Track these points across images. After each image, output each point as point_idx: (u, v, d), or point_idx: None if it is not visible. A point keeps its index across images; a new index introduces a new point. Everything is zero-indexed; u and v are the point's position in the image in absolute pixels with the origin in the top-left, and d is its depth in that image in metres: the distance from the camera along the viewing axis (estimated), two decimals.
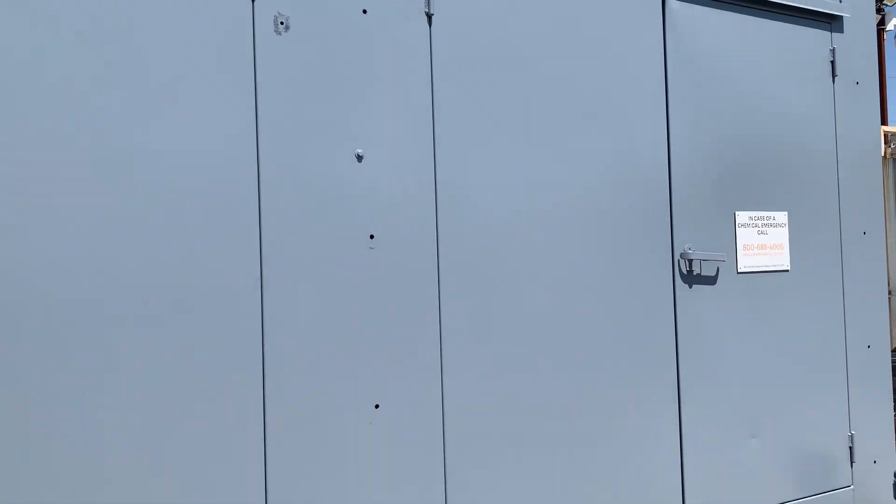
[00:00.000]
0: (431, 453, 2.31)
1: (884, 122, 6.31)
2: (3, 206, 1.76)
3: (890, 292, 4.44)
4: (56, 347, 1.80)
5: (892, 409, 3.51)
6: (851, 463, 3.29)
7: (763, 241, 3.06)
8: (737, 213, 3.00)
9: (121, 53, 1.91)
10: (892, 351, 3.90)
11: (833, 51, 3.32)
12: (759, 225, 3.06)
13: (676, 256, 2.83)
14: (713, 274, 2.93)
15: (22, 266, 1.77)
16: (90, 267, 1.85)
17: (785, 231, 3.13)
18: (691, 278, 2.87)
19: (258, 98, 2.10)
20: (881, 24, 6.38)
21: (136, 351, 1.89)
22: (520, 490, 2.45)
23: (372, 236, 2.25)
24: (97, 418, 1.83)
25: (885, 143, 5.21)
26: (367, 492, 2.19)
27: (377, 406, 2.24)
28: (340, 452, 2.17)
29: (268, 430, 2.07)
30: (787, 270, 3.13)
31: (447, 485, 2.32)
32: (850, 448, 3.29)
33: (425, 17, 2.36)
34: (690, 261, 2.86)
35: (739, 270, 2.99)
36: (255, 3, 2.10)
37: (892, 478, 3.42)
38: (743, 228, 3.01)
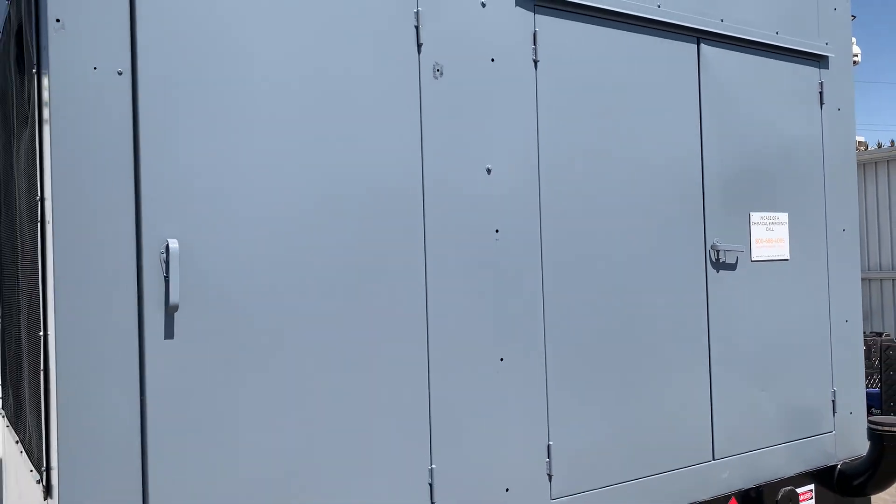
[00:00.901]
0: (536, 388, 3.04)
1: None
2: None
3: None
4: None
5: (864, 372, 4.36)
6: (833, 413, 4.12)
7: (770, 237, 3.86)
8: (751, 213, 3.80)
9: (328, 95, 2.59)
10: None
11: (821, 84, 4.14)
12: (767, 223, 3.86)
13: (707, 248, 3.61)
14: (734, 262, 3.72)
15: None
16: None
17: (786, 228, 3.94)
18: (718, 265, 3.65)
19: (423, 125, 2.79)
20: None
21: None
22: (596, 419, 3.20)
23: (497, 230, 2.97)
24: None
25: None
26: (495, 410, 2.92)
27: (502, 359, 2.96)
28: (477, 390, 2.88)
29: (431, 374, 2.77)
30: (787, 260, 3.94)
31: (549, 411, 3.06)
32: (833, 401, 4.12)
33: (532, 64, 3.08)
34: (718, 251, 3.64)
35: (753, 259, 3.79)
36: (420, 55, 2.79)
37: (865, 425, 4.27)
38: (755, 226, 3.80)
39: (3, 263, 3.64)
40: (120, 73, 2.24)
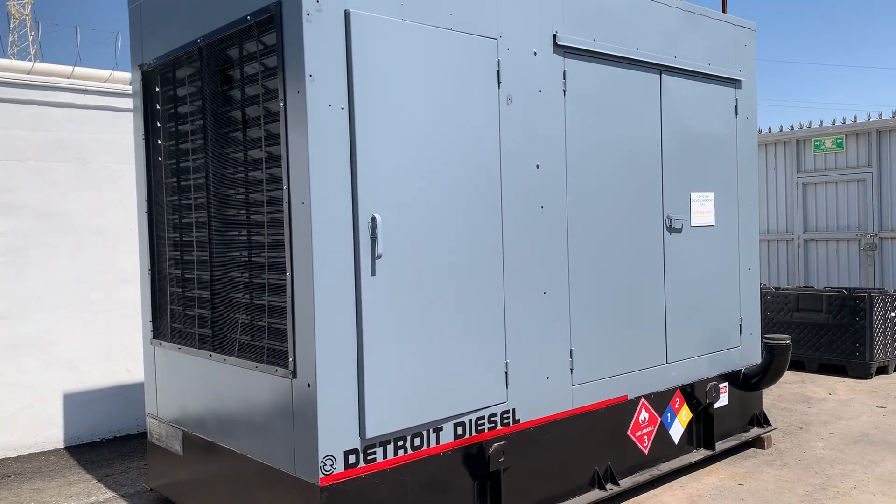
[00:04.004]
0: (564, 313, 4.55)
1: None
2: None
3: None
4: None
5: (759, 305, 6.15)
6: (740, 333, 5.88)
7: (703, 209, 5.52)
8: (691, 193, 5.43)
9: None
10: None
11: (736, 100, 5.81)
12: (701, 200, 5.51)
13: (665, 217, 5.21)
14: (680, 227, 5.34)
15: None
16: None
17: (713, 203, 5.61)
18: (671, 230, 5.26)
19: (501, 135, 4.19)
20: None
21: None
22: (598, 333, 4.76)
23: (542, 207, 4.42)
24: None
25: None
26: (541, 326, 4.41)
27: (545, 292, 4.44)
28: (531, 313, 4.36)
29: (506, 300, 4.21)
30: (713, 226, 5.62)
31: (571, 327, 4.58)
32: (740, 325, 5.87)
33: (563, 92, 4.53)
34: (671, 220, 5.25)
35: (692, 225, 5.43)
36: (499, 90, 4.18)
37: (760, 342, 6.06)
38: (694, 202, 5.44)
39: (157, 232, 4.78)
40: (343, 109, 3.53)
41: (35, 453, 6.09)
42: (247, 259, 3.93)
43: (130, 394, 6.47)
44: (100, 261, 6.35)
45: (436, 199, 3.87)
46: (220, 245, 4.16)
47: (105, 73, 6.31)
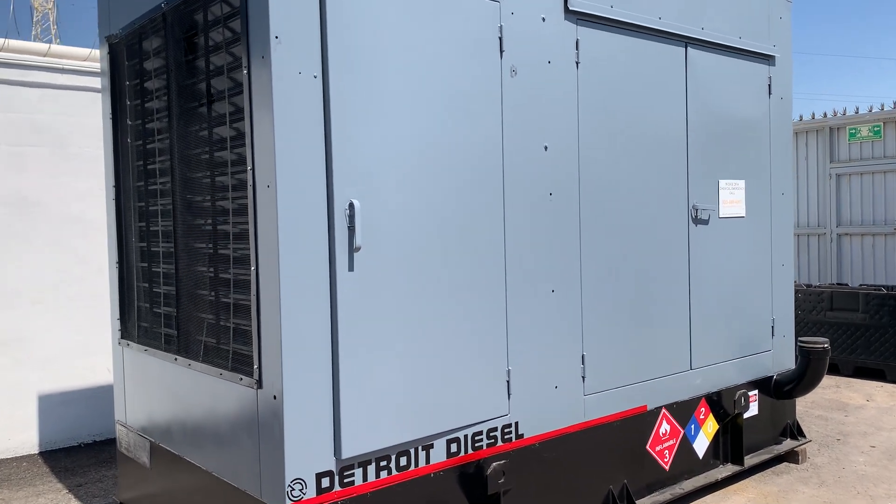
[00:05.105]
0: (575, 313, 4.04)
1: None
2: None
3: None
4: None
5: (794, 305, 5.59)
6: (772, 336, 5.33)
7: (732, 199, 4.97)
8: (719, 181, 4.88)
9: (444, 92, 3.44)
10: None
11: (770, 77, 5.25)
12: (730, 189, 4.96)
13: (690, 207, 4.67)
14: (707, 218, 4.80)
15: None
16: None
17: (743, 192, 5.06)
18: (697, 221, 4.72)
19: (503, 111, 3.68)
20: None
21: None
22: (614, 337, 4.24)
23: (551, 193, 3.91)
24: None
25: None
26: (548, 328, 3.90)
27: (553, 291, 3.93)
28: (537, 313, 3.85)
29: (508, 301, 3.71)
30: (743, 217, 5.07)
31: (583, 330, 4.07)
32: (772, 327, 5.32)
33: (575, 65, 4.01)
34: (697, 210, 4.71)
35: (720, 216, 4.89)
36: (502, 60, 3.67)
37: (793, 346, 5.50)
38: (722, 190, 4.90)
39: (125, 221, 4.33)
40: (315, 77, 3.04)
41: (6, 459, 5.69)
42: (212, 251, 3.45)
43: (111, 395, 6.04)
44: (78, 252, 5.92)
45: (425, 184, 3.37)
46: (185, 235, 3.70)
47: (84, 51, 5.87)
